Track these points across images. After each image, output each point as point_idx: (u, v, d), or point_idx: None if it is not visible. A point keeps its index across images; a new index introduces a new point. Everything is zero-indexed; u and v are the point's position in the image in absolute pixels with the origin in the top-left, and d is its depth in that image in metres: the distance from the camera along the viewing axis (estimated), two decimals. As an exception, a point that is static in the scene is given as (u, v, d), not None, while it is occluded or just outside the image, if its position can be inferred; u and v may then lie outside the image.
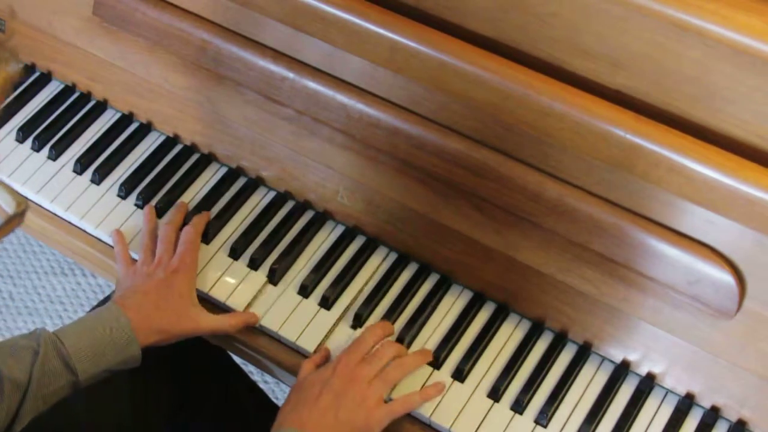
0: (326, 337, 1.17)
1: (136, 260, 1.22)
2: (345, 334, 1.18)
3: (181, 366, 1.29)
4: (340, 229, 1.26)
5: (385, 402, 1.09)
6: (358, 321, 1.18)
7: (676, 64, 1.01)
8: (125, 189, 1.30)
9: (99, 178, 1.32)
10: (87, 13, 1.33)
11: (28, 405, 1.04)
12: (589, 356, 1.15)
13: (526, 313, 1.18)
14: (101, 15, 1.31)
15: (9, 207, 0.85)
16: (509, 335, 1.18)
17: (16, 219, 0.86)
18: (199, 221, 1.24)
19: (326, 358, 1.15)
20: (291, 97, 1.20)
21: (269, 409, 1.39)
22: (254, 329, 1.20)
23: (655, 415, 1.11)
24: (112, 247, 1.25)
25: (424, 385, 1.13)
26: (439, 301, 1.20)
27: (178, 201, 1.29)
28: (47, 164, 1.34)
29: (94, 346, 1.08)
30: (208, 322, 1.16)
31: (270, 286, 1.22)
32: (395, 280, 1.22)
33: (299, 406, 1.06)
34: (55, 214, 1.31)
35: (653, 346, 1.11)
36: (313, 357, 1.14)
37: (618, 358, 1.14)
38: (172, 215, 1.25)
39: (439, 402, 1.12)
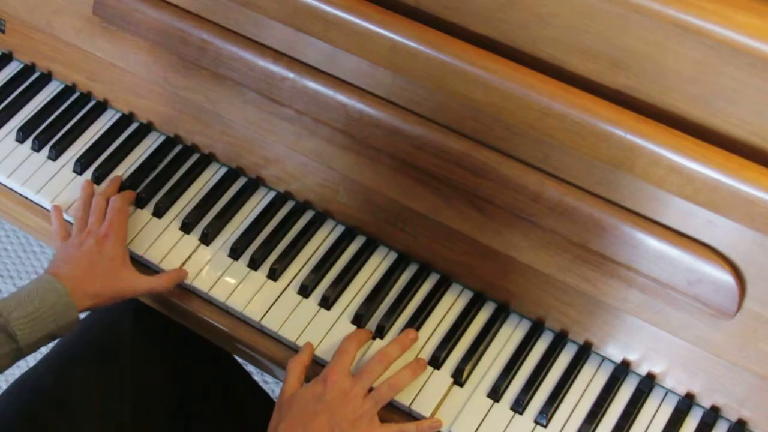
0: (326, 336, 1.17)
1: None
2: (344, 333, 1.17)
3: (181, 366, 1.29)
4: (340, 229, 1.26)
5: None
6: (358, 321, 1.18)
7: (676, 64, 1.01)
8: (125, 189, 1.30)
9: (99, 178, 1.32)
10: (87, 13, 1.33)
11: None
12: (589, 356, 1.15)
13: (526, 313, 1.18)
14: (101, 15, 1.31)
15: None
16: (509, 335, 1.18)
17: None
18: (129, 192, 1.28)
19: (311, 362, 1.14)
20: (291, 97, 1.20)
21: (269, 409, 1.39)
22: (254, 329, 1.20)
23: (655, 415, 1.11)
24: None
25: (424, 384, 1.13)
26: (439, 301, 1.20)
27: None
28: (47, 164, 1.34)
29: (33, 314, 1.10)
30: (141, 283, 1.20)
31: (270, 286, 1.22)
32: (395, 280, 1.22)
33: (294, 426, 1.06)
34: (55, 214, 1.31)
35: (653, 346, 1.11)
36: (298, 364, 1.12)
37: (618, 358, 1.14)
38: (105, 187, 1.29)
39: (440, 402, 1.12)
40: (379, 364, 1.12)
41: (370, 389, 1.11)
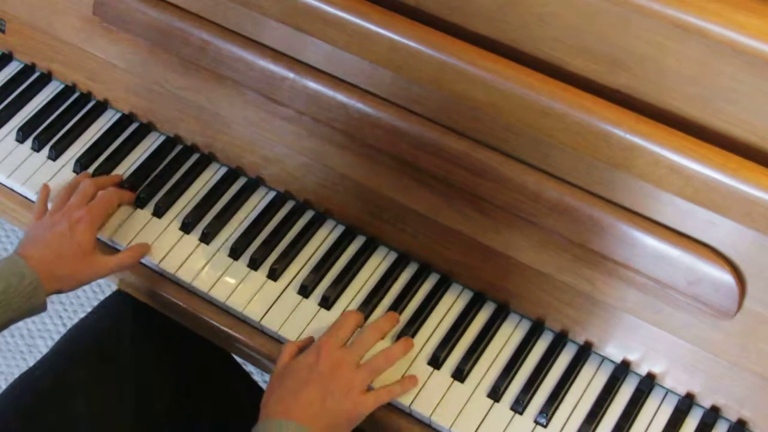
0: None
1: None
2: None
3: (181, 366, 1.29)
4: (340, 229, 1.26)
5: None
6: (358, 321, 1.19)
7: (676, 64, 1.01)
8: (125, 189, 1.30)
9: (99, 178, 1.32)
10: (87, 13, 1.33)
11: None
12: (589, 356, 1.15)
13: (526, 313, 1.18)
14: (101, 15, 1.31)
15: None
16: (509, 335, 1.18)
17: None
18: (128, 193, 1.28)
19: (308, 344, 1.14)
20: (291, 97, 1.21)
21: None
22: (254, 329, 1.20)
23: (655, 415, 1.11)
24: (111, 246, 1.26)
25: (424, 384, 1.14)
26: (439, 301, 1.20)
27: (179, 197, 1.30)
28: (47, 164, 1.34)
29: (1, 294, 1.10)
30: (106, 263, 1.20)
31: (270, 286, 1.22)
32: (395, 280, 1.22)
33: (285, 396, 1.05)
34: (55, 214, 1.31)
35: (653, 346, 1.11)
36: (295, 342, 1.14)
37: (618, 358, 1.14)
38: (102, 177, 1.29)
39: (440, 402, 1.12)
40: (371, 335, 1.12)
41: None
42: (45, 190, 1.27)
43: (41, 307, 1.14)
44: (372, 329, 1.13)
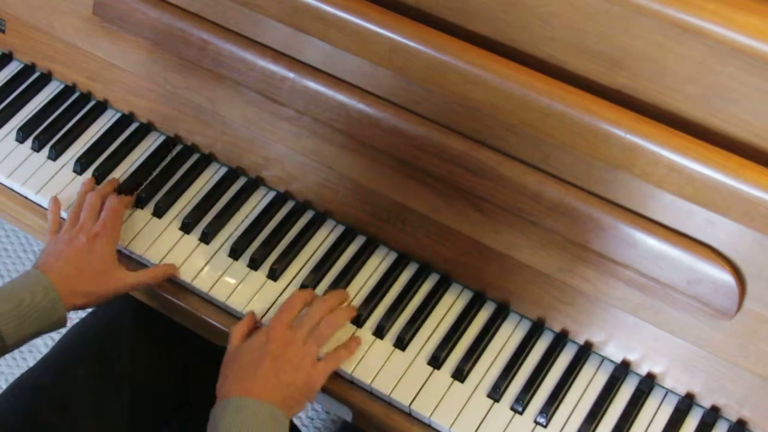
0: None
1: None
2: (345, 333, 1.18)
3: (181, 365, 1.29)
4: (340, 229, 1.26)
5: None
6: (357, 321, 1.18)
7: (676, 64, 1.01)
8: (125, 189, 1.30)
9: (99, 178, 1.32)
10: (87, 13, 1.33)
11: None
12: (589, 356, 1.15)
13: (526, 313, 1.18)
14: (101, 15, 1.31)
15: None
16: (509, 335, 1.18)
17: None
18: (127, 197, 1.28)
19: (254, 325, 1.17)
20: (291, 97, 1.20)
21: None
22: (254, 329, 1.20)
23: (655, 415, 1.11)
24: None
25: (424, 384, 1.14)
26: (439, 301, 1.20)
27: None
28: (47, 164, 1.34)
29: (19, 309, 1.10)
30: (129, 279, 1.19)
31: (270, 286, 1.22)
32: (395, 280, 1.22)
33: (240, 374, 1.08)
34: (55, 214, 1.31)
35: (653, 346, 1.11)
36: (243, 323, 1.16)
37: (618, 358, 1.14)
38: (102, 186, 1.29)
39: (440, 402, 1.12)
40: (318, 311, 1.15)
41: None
42: (56, 204, 1.27)
43: (61, 323, 1.14)
44: (318, 305, 1.16)
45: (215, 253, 1.24)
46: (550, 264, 1.12)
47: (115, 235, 1.21)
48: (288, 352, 1.09)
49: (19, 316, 1.10)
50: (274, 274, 1.22)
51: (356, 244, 1.25)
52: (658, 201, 1.04)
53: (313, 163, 1.24)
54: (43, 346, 2.01)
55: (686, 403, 1.11)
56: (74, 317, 2.07)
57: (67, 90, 1.41)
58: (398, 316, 1.19)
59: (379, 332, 1.18)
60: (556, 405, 1.12)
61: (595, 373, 1.14)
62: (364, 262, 1.23)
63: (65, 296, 1.13)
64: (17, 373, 1.95)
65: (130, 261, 1.25)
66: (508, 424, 1.11)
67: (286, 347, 1.10)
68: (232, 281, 1.22)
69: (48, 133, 1.36)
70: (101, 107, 1.39)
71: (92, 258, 1.17)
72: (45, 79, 1.42)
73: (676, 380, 1.11)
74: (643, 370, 1.13)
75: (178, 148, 1.34)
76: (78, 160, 1.33)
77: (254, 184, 1.30)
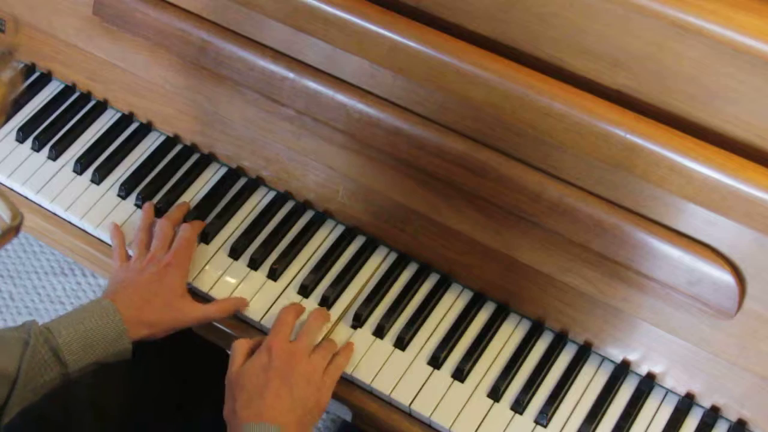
0: (326, 336, 1.17)
1: (131, 256, 1.22)
2: (345, 334, 1.18)
3: (181, 365, 1.29)
4: (340, 229, 1.26)
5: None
6: (357, 321, 1.18)
7: (676, 64, 1.01)
8: (125, 189, 1.30)
9: (99, 178, 1.32)
10: (87, 13, 1.33)
11: (17, 396, 1.04)
12: (589, 356, 1.15)
13: (526, 313, 1.18)
14: (101, 15, 1.31)
15: (7, 217, 0.85)
16: (509, 335, 1.18)
17: (11, 232, 0.86)
18: (199, 222, 1.25)
19: (257, 343, 1.13)
20: (291, 97, 1.20)
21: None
22: (254, 329, 1.20)
23: (655, 415, 1.11)
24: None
25: (424, 384, 1.14)
26: (439, 301, 1.20)
27: (180, 201, 1.29)
28: (47, 164, 1.34)
29: (85, 338, 1.08)
30: (197, 312, 1.17)
31: (270, 286, 1.22)
32: (395, 280, 1.22)
33: (250, 398, 1.05)
34: (55, 214, 1.31)
35: (653, 346, 1.11)
36: (246, 342, 1.12)
37: (618, 358, 1.14)
38: (171, 212, 1.26)
39: (440, 402, 1.12)
40: (315, 321, 1.14)
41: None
42: (119, 233, 1.24)
43: (125, 353, 1.12)
44: (314, 316, 1.15)
45: (215, 253, 1.24)
46: (551, 264, 1.12)
47: (186, 264, 1.19)
48: (295, 367, 1.08)
49: (84, 346, 1.08)
50: (274, 274, 1.22)
51: (356, 244, 1.25)
52: (659, 201, 1.04)
53: (313, 163, 1.24)
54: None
55: (686, 403, 1.11)
56: (74, 317, 2.07)
57: (67, 90, 1.41)
58: (398, 316, 1.19)
59: (379, 332, 1.18)
60: (556, 405, 1.12)
61: (595, 373, 1.14)
62: (364, 262, 1.23)
63: (131, 327, 1.11)
64: (17, 373, 1.95)
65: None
66: (508, 424, 1.11)
67: (291, 361, 1.08)
68: (232, 281, 1.22)
69: (48, 133, 1.36)
70: (101, 107, 1.39)
71: (161, 288, 1.15)
72: (45, 78, 1.42)
73: (676, 380, 1.11)
74: (643, 370, 1.13)
75: (178, 148, 1.34)
76: (78, 160, 1.33)
77: (254, 184, 1.30)
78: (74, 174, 1.33)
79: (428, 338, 1.17)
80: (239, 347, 1.11)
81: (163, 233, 1.21)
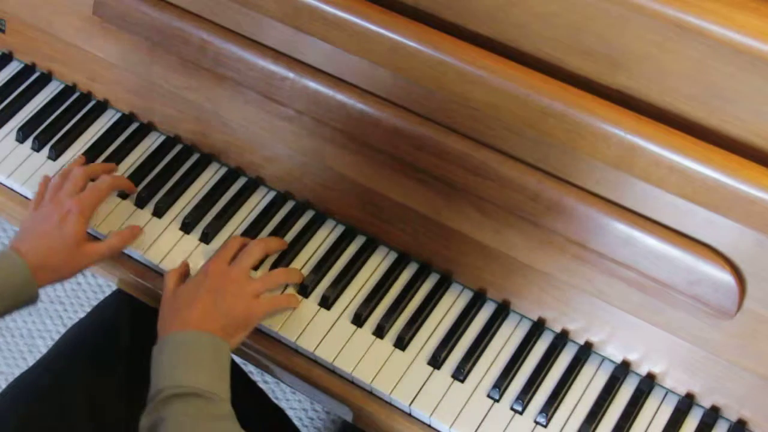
0: (326, 336, 1.17)
1: None
2: (345, 333, 1.18)
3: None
4: (340, 229, 1.26)
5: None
6: (357, 320, 1.18)
7: (676, 64, 1.01)
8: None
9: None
10: (87, 13, 1.33)
11: None
12: (589, 356, 1.15)
13: (526, 313, 1.18)
14: (101, 15, 1.31)
15: None
16: (509, 335, 1.18)
17: None
18: (125, 180, 1.29)
19: (187, 272, 1.19)
20: (291, 97, 1.21)
21: (269, 409, 1.39)
22: (254, 329, 1.20)
23: (655, 415, 1.11)
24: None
25: (424, 384, 1.14)
26: (439, 301, 1.20)
27: (179, 200, 1.30)
28: (47, 164, 1.34)
29: None
30: (97, 250, 1.21)
31: (270, 286, 1.22)
32: (395, 279, 1.22)
33: (178, 311, 1.10)
34: (55, 214, 1.31)
35: (653, 346, 1.11)
36: (176, 270, 1.18)
37: (618, 358, 1.14)
38: (92, 164, 1.30)
39: (440, 402, 1.12)
40: (256, 248, 1.17)
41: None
42: (46, 181, 1.27)
43: (33, 299, 1.16)
44: (257, 243, 1.18)
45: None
46: (550, 264, 1.12)
47: (86, 213, 1.22)
48: (228, 285, 1.12)
49: None
50: (274, 274, 1.22)
51: (356, 244, 1.25)
52: (658, 201, 1.04)
53: (313, 163, 1.24)
54: (43, 346, 2.02)
55: (686, 403, 1.11)
56: (74, 317, 2.07)
57: (67, 90, 1.41)
58: (398, 316, 1.19)
59: (379, 332, 1.18)
60: (556, 405, 1.12)
61: (595, 373, 1.14)
62: (364, 262, 1.23)
63: (37, 272, 1.15)
64: (17, 372, 1.95)
65: (130, 260, 1.25)
66: (508, 424, 1.11)
67: (224, 280, 1.12)
68: (232, 281, 1.22)
69: (48, 133, 1.36)
70: (101, 107, 1.39)
71: (61, 236, 1.18)
72: (45, 79, 1.42)
73: (676, 380, 1.11)
74: (643, 370, 1.13)
75: (178, 148, 1.34)
76: (78, 160, 1.33)
77: (254, 184, 1.30)
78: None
79: (428, 338, 1.17)
80: (171, 274, 1.17)
81: (74, 178, 1.24)
